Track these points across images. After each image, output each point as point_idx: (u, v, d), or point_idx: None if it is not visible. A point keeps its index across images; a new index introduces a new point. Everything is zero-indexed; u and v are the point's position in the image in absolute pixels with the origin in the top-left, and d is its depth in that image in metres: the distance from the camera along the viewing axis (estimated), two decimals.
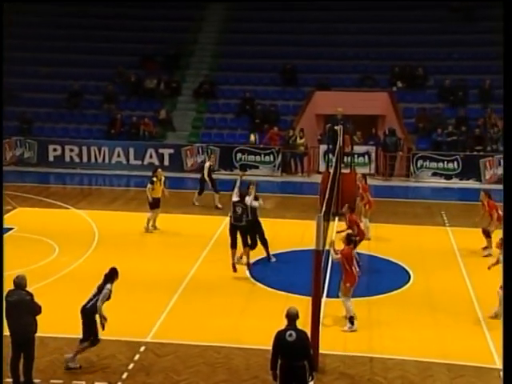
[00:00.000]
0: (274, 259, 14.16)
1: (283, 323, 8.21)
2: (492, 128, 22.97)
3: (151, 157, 23.87)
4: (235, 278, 13.13)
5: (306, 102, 25.03)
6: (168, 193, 16.41)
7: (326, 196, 12.64)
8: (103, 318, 9.34)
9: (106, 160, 23.95)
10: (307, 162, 23.64)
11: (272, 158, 23.58)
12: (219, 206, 18.06)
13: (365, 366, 9.74)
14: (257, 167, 23.54)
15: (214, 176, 18.83)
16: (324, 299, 11.40)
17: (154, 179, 15.94)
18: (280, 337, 8.03)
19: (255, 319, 11.17)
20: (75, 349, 9.50)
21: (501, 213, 14.39)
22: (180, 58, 27.41)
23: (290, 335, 7.97)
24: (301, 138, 23.66)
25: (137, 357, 9.88)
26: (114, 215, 17.48)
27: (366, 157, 23.50)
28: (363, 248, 14.29)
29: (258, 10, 28.64)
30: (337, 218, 17.44)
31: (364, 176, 16.20)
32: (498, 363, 9.69)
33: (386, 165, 23.20)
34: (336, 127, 18.81)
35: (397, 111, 24.48)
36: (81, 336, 9.49)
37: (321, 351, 9.45)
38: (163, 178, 16.23)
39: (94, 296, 9.39)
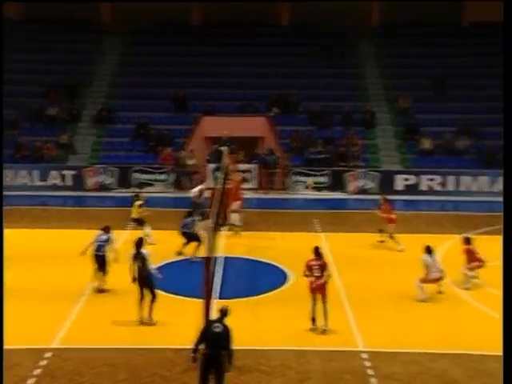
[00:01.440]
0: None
1: (181, 323, 8.14)
2: (353, 147, 23.96)
3: (55, 178, 22.95)
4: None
5: (195, 126, 25.01)
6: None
7: (215, 209, 12.64)
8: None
9: (12, 181, 22.73)
10: (197, 179, 23.50)
11: (166, 177, 23.34)
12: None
13: (249, 358, 9.78)
14: (152, 184, 23.20)
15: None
16: (216, 300, 11.39)
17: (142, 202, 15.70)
18: (208, 327, 8.18)
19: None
20: (150, 311, 10.62)
21: (393, 216, 15.44)
22: (80, 87, 26.61)
23: (218, 327, 8.12)
24: (191, 158, 23.58)
25: (42, 363, 9.39)
26: (22, 233, 16.61)
27: (249, 174, 23.77)
28: (249, 254, 14.44)
29: (153, 45, 28.35)
30: (225, 228, 17.51)
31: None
32: (361, 346, 10.02)
33: (266, 180, 23.57)
34: (222, 148, 18.88)
35: (274, 133, 24.99)
36: None
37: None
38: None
39: (143, 266, 10.69)
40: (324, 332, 10.43)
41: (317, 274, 10.44)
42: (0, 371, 7.87)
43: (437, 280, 12.41)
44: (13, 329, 9.01)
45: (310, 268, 10.64)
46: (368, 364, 9.59)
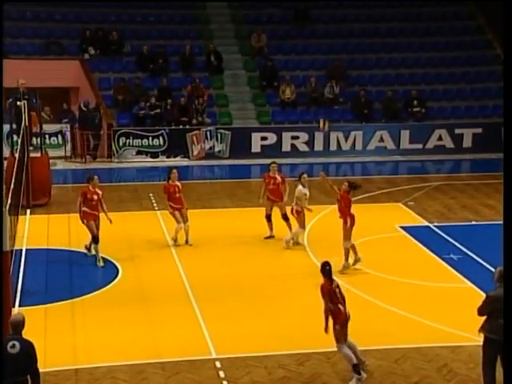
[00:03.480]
0: None
1: None
2: (197, 99, 24.08)
3: None
4: None
5: None
6: None
7: (12, 186, 12.15)
8: None
9: None
10: None
11: None
12: None
13: (70, 380, 9.61)
14: None
15: None
16: (16, 308, 10.99)
17: None
18: (1, 349, 7.61)
19: None
20: None
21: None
22: None
23: (13, 346, 7.62)
24: None
25: None
26: None
27: (60, 137, 23.10)
28: (62, 243, 14.09)
29: None
30: (28, 211, 16.91)
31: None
32: (214, 353, 10.30)
33: (84, 145, 23.00)
34: (19, 103, 18.13)
35: (91, 82, 24.38)
36: None
37: None
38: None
39: None
40: None
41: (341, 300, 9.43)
42: (0, 370, 7.53)
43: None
44: None
45: (331, 295, 9.39)
46: (223, 374, 9.85)
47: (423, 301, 12.14)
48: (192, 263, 13.98)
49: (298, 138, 23.90)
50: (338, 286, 9.57)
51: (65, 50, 24.94)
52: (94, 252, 14.02)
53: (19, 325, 7.82)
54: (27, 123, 17.67)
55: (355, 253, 13.41)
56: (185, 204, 15.00)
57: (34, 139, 18.90)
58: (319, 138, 23.93)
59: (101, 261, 13.80)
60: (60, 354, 10.24)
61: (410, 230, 15.95)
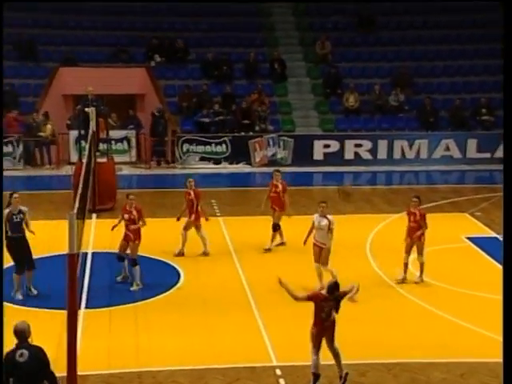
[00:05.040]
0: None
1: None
2: (260, 106, 24.28)
3: None
4: None
5: (50, 81, 24.35)
6: None
7: (80, 190, 12.45)
8: None
9: None
10: (55, 152, 23.06)
11: (11, 149, 22.64)
12: None
13: (133, 382, 9.84)
14: None
15: None
16: (83, 310, 11.29)
17: None
18: (9, 359, 7.64)
19: None
20: None
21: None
22: None
23: (21, 355, 7.64)
24: (45, 123, 22.99)
25: None
26: None
27: (125, 142, 23.57)
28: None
29: None
30: (94, 215, 17.31)
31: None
32: (274, 361, 10.38)
33: (149, 151, 23.43)
34: (87, 109, 18.57)
35: (157, 89, 24.82)
36: None
37: (80, 373, 9.34)
38: None
39: None
40: None
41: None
42: (0, 370, 7.71)
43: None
44: None
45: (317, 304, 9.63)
46: (283, 382, 9.92)
47: (490, 314, 11.88)
48: (254, 269, 14.10)
49: (361, 145, 23.82)
50: (332, 306, 9.57)
51: (132, 57, 25.46)
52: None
53: (24, 332, 7.80)
54: (95, 129, 18.11)
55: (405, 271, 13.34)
56: (201, 214, 14.88)
57: (101, 145, 19.38)
58: (383, 146, 23.80)
59: (136, 284, 13.17)
60: (124, 357, 10.49)
61: (477, 241, 15.70)
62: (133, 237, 13.10)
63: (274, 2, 28.19)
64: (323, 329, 9.61)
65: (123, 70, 24.63)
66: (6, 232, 12.29)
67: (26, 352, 7.65)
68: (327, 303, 9.59)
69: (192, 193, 14.82)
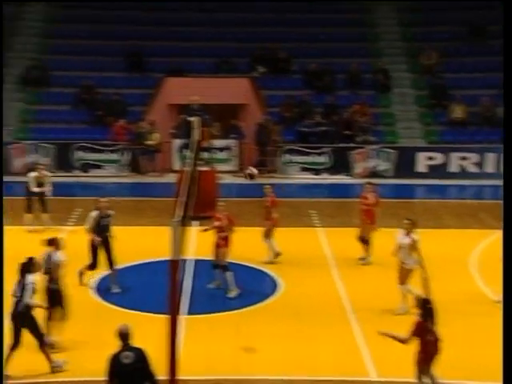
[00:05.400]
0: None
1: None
2: (362, 117, 24.13)
3: None
4: (76, 300, 12.91)
5: (157, 91, 25.00)
6: None
7: (183, 198, 12.70)
8: (42, 307, 10.26)
9: None
10: (160, 160, 23.63)
11: (119, 156, 23.36)
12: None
13: None
14: (100, 167, 23.21)
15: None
16: (184, 316, 11.51)
17: None
18: (115, 360, 7.90)
19: (98, 346, 11.04)
20: (47, 358, 10.02)
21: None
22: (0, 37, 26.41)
23: (127, 357, 7.90)
24: (152, 132, 23.60)
25: None
26: None
27: (227, 152, 23.89)
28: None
29: None
30: (196, 223, 17.61)
31: (272, 186, 15.85)
32: (373, 375, 10.26)
33: (251, 160, 23.65)
34: (191, 119, 18.94)
35: (259, 99, 25.07)
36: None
37: (181, 377, 9.53)
38: None
39: (20, 296, 9.82)
40: None
41: None
42: (0, 371, 8.31)
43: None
44: None
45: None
46: None
47: None
48: (352, 281, 13.99)
49: (467, 158, 23.27)
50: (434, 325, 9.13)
51: (235, 68, 25.81)
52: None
53: (127, 335, 8.08)
54: (198, 138, 18.45)
55: None
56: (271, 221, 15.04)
57: (204, 153, 19.73)
58: (490, 159, 23.16)
59: (232, 291, 13.33)
60: (223, 363, 10.61)
61: None
62: (222, 243, 13.32)
63: (379, 13, 27.98)
64: (429, 352, 9.25)
65: (227, 80, 24.98)
66: (94, 233, 13.16)
67: (130, 354, 7.92)
68: (429, 326, 9.34)
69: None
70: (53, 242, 11.17)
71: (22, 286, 9.89)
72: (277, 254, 15.12)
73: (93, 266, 13.43)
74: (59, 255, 11.04)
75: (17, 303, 9.86)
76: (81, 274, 13.52)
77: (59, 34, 26.81)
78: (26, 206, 16.98)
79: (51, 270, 10.88)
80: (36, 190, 16.89)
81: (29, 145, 23.12)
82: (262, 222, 15.62)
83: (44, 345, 10.13)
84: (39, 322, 10.17)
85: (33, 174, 17.15)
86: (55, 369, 10.16)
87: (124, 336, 8.05)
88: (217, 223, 13.48)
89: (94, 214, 13.33)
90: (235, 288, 13.27)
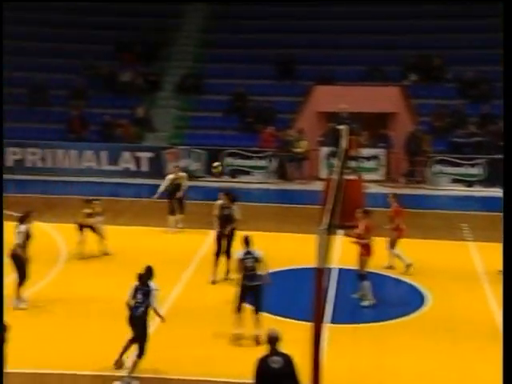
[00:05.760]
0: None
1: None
2: None
3: (127, 161, 23.89)
4: (224, 302, 13.13)
5: (306, 98, 25.09)
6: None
7: (329, 206, 12.63)
8: (162, 318, 10.56)
9: (75, 165, 23.94)
10: (307, 167, 23.68)
11: (267, 163, 23.62)
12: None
13: None
14: (249, 173, 23.57)
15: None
16: (328, 325, 11.40)
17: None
18: (263, 364, 7.96)
19: (244, 348, 11.15)
20: (133, 366, 10.20)
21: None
22: (160, 46, 27.45)
23: (275, 361, 7.94)
24: (300, 139, 23.70)
25: None
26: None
27: (375, 161, 23.59)
28: (371, 265, 14.36)
29: None
30: (341, 232, 17.47)
31: (396, 196, 15.76)
32: None
33: (399, 170, 23.25)
34: (340, 127, 18.85)
35: (410, 108, 24.57)
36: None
37: None
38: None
39: (141, 302, 10.27)
40: None
41: None
42: (0, 371, 8.48)
43: None
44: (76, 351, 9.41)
45: None
46: None
47: None
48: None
49: None
50: None
51: (386, 76, 25.46)
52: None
53: (276, 339, 8.10)
54: (346, 146, 18.32)
55: None
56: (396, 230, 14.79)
57: (351, 162, 19.56)
58: None
59: (367, 301, 13.22)
60: (366, 378, 10.40)
61: None
62: (362, 251, 13.19)
63: None
64: None
65: (377, 88, 24.68)
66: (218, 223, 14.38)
67: (279, 359, 7.99)
68: None
69: (393, 209, 14.92)
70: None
71: (144, 291, 10.32)
72: (408, 266, 14.79)
73: (217, 254, 14.30)
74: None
75: (135, 308, 10.32)
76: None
77: (214, 43, 27.54)
78: (169, 209, 17.55)
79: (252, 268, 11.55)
80: (162, 189, 17.55)
81: (182, 150, 23.84)
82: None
83: (140, 356, 10.26)
84: (148, 331, 10.38)
85: (170, 176, 17.75)
86: (118, 366, 10.45)
87: (273, 340, 8.13)
88: (356, 230, 13.45)
89: (218, 203, 14.46)
90: (371, 298, 13.13)
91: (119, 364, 10.49)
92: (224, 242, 14.38)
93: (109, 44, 27.16)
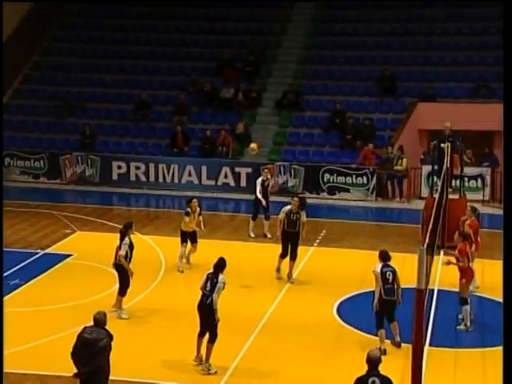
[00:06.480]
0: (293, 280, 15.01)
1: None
2: None
3: (226, 176, 24.18)
4: (319, 318, 13.06)
5: (407, 115, 24.77)
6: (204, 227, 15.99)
7: (430, 226, 12.41)
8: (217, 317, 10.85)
9: (176, 179, 24.41)
10: (407, 186, 23.33)
11: (366, 180, 23.41)
12: (268, 235, 18.09)
13: None
14: (347, 190, 23.41)
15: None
16: (427, 347, 11.15)
17: (189, 210, 15.65)
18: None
19: (338, 369, 11.04)
20: (207, 353, 10.75)
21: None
22: (261, 64, 27.75)
23: (373, 382, 7.84)
24: (400, 157, 23.38)
25: None
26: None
27: (479, 180, 22.99)
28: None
29: (352, 9, 28.70)
30: (442, 252, 17.11)
31: (475, 210, 15.43)
32: None
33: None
34: (443, 145, 18.51)
35: None
36: None
37: None
38: (198, 210, 15.89)
39: (210, 291, 10.78)
40: None
41: None
42: (0, 371, 8.65)
43: None
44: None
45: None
46: None
47: None
48: None
49: None
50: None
51: (493, 93, 24.81)
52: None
53: (376, 360, 7.99)
54: (449, 165, 17.95)
55: None
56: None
57: (454, 181, 19.13)
58: None
59: (463, 325, 12.86)
60: None
61: None
62: (460, 275, 12.89)
63: None
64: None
65: (482, 105, 24.12)
66: (283, 226, 14.93)
67: (377, 380, 7.89)
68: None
69: (469, 223, 14.65)
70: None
71: (212, 282, 10.84)
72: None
73: (283, 254, 15.02)
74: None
75: (205, 297, 10.87)
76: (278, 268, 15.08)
77: (315, 60, 27.62)
78: (253, 215, 18.39)
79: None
80: (259, 195, 18.19)
81: (280, 165, 23.94)
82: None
83: (213, 341, 10.81)
84: (218, 318, 10.81)
85: (260, 179, 18.43)
86: (205, 368, 10.79)
87: (374, 361, 8.04)
88: (453, 253, 13.19)
89: (287, 208, 15.01)
90: (468, 323, 12.76)
91: (199, 359, 10.97)
92: (289, 244, 14.92)
93: (212, 61, 27.65)
